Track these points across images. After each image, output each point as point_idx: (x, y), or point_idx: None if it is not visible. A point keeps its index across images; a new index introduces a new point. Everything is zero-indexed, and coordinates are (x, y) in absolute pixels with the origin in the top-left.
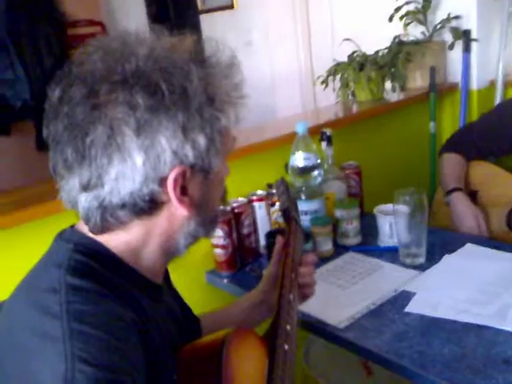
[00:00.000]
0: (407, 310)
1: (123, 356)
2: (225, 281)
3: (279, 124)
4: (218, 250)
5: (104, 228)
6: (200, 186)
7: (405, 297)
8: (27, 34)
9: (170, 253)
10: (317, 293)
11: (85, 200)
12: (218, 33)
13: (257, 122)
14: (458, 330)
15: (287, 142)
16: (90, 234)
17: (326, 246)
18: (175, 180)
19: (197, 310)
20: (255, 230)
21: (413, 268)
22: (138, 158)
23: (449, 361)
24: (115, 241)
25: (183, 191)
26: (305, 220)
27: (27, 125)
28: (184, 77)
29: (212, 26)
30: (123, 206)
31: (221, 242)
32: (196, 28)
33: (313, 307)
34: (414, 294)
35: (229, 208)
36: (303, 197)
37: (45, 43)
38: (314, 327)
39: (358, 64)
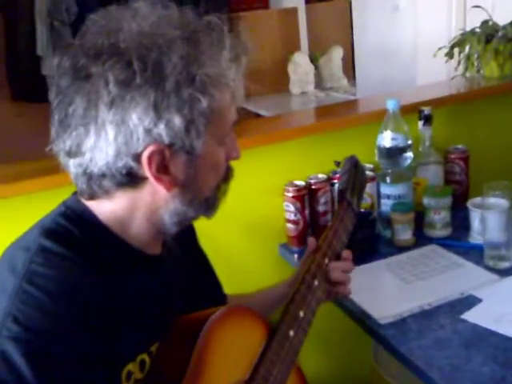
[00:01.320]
0: (464, 316)
1: (61, 323)
2: (295, 256)
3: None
4: (289, 225)
5: (90, 195)
6: (184, 166)
7: (469, 302)
8: None
9: (157, 227)
10: (376, 282)
11: (72, 165)
12: None
13: (395, 91)
14: (509, 350)
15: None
16: (84, 200)
17: (405, 235)
18: (149, 157)
19: (267, 281)
20: (333, 209)
21: (495, 272)
22: (110, 132)
23: (483, 381)
24: (102, 209)
25: (163, 170)
26: (386, 205)
27: None
28: (162, 54)
29: None
30: (103, 175)
31: (291, 217)
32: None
33: (363, 296)
34: (480, 300)
35: (303, 183)
36: (388, 180)
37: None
38: (355, 317)
39: (485, 35)
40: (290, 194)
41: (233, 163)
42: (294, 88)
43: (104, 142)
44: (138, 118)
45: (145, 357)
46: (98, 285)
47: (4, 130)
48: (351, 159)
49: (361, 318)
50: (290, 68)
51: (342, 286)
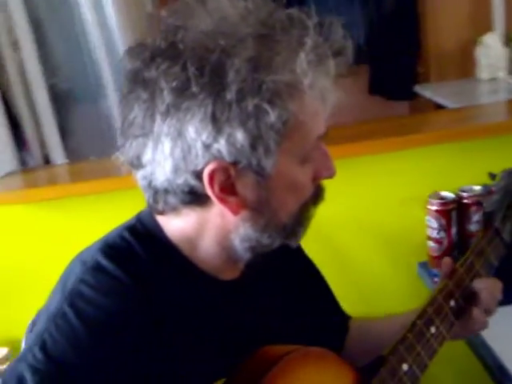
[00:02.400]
0: None
1: (90, 364)
2: (435, 279)
3: None
4: (431, 243)
5: (158, 209)
6: (254, 187)
7: None
8: None
9: (228, 252)
10: None
11: (138, 177)
12: None
13: None
14: None
15: None
16: (155, 214)
17: None
18: (210, 176)
19: (401, 303)
20: None
21: None
22: (167, 145)
23: None
24: (171, 225)
25: (229, 190)
26: None
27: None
28: (224, 56)
29: None
30: (166, 191)
31: (434, 234)
32: None
33: (504, 347)
34: None
35: (452, 196)
36: None
37: None
38: (490, 372)
39: None
40: (434, 208)
41: (369, 165)
42: (483, 73)
43: (161, 155)
44: (194, 131)
45: None
46: (151, 316)
47: None
48: (510, 173)
49: (496, 375)
50: (479, 51)
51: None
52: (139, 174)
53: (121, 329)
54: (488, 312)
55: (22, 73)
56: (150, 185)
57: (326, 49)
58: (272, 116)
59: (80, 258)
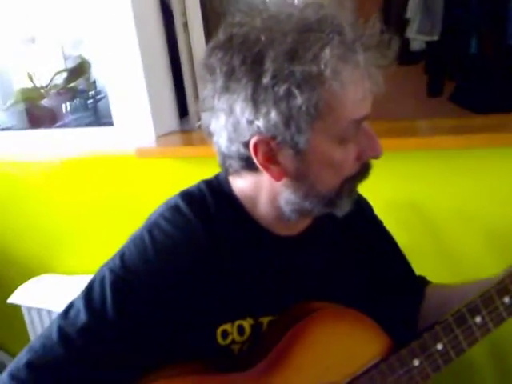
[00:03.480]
0: None
1: (153, 276)
2: None
3: None
4: None
5: (227, 171)
6: (292, 159)
7: None
8: None
9: (278, 212)
10: None
11: (214, 143)
12: None
13: None
14: None
15: None
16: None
17: None
18: (255, 147)
19: None
20: None
21: None
22: (222, 118)
23: None
24: (237, 185)
25: (271, 160)
26: None
27: None
28: (265, 48)
29: None
30: (229, 156)
31: None
32: None
33: None
34: None
35: None
36: None
37: None
38: None
39: None
40: None
41: (488, 158)
42: None
43: (219, 127)
44: (240, 109)
45: (244, 323)
46: (211, 252)
47: None
48: None
49: None
50: None
51: None
52: (213, 141)
53: (182, 255)
54: None
55: (190, 50)
56: (218, 150)
57: (354, 44)
58: (299, 99)
59: (166, 201)
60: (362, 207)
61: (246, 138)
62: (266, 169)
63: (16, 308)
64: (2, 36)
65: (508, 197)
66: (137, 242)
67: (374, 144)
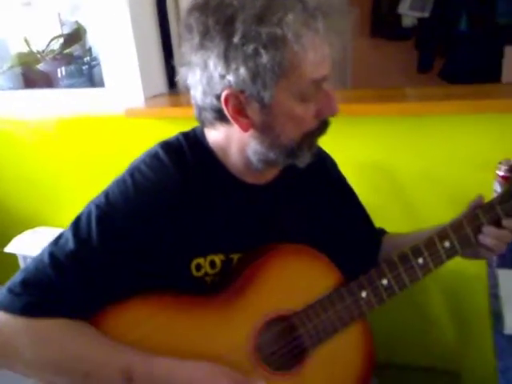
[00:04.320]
0: None
1: (133, 212)
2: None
3: None
4: None
5: (202, 123)
6: (259, 112)
7: None
8: None
9: (247, 161)
10: None
11: (191, 96)
12: None
13: None
14: None
15: None
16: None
17: None
18: (226, 99)
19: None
20: None
21: None
22: (198, 73)
23: None
24: (211, 136)
25: (240, 112)
26: None
27: None
28: (236, 11)
29: None
30: (204, 108)
31: None
32: None
33: None
34: None
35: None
36: None
37: None
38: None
39: None
40: (501, 174)
41: (447, 125)
42: None
43: (194, 81)
44: (213, 65)
45: (215, 258)
46: (185, 193)
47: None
48: None
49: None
50: None
51: (488, 251)
52: (191, 94)
53: (158, 195)
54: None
55: (178, 14)
56: (195, 103)
57: (315, 11)
58: (265, 58)
59: (147, 150)
60: (327, 163)
61: (218, 92)
62: (236, 120)
63: (13, 257)
64: None
65: (469, 161)
66: (120, 183)
67: (332, 103)
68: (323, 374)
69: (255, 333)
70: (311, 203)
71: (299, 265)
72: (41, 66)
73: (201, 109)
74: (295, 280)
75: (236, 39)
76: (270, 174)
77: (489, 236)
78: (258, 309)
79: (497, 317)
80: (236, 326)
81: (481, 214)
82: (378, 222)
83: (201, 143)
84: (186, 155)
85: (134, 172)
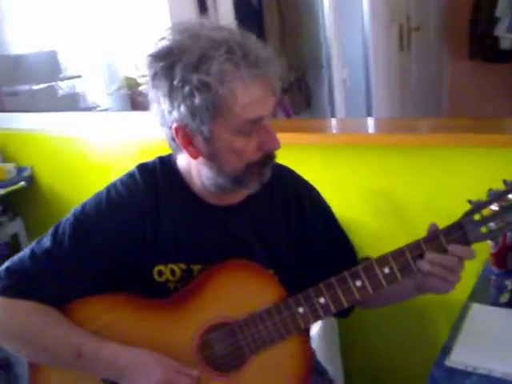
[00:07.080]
0: None
1: (103, 223)
2: (492, 277)
3: None
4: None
5: (171, 149)
6: (203, 143)
7: None
8: None
9: (204, 185)
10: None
11: None
12: None
13: None
14: None
15: None
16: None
17: None
18: (175, 130)
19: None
20: None
21: None
22: (155, 107)
23: None
24: (179, 161)
25: (188, 142)
26: None
27: None
28: (176, 60)
29: None
30: (166, 137)
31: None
32: None
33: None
34: None
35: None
36: None
37: None
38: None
39: None
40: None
41: (443, 162)
42: None
43: (154, 114)
44: (163, 101)
45: (174, 267)
46: (151, 209)
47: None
48: None
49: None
50: None
51: (438, 280)
52: None
53: (127, 209)
54: (441, 278)
55: None
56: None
57: (240, 62)
58: (198, 99)
59: (128, 170)
60: (303, 193)
61: (170, 124)
62: (186, 149)
63: None
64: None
65: (471, 193)
66: (97, 196)
67: (272, 139)
68: (259, 379)
69: (199, 334)
70: (274, 226)
71: (245, 278)
72: (145, 89)
73: (165, 137)
74: (240, 291)
75: (175, 82)
76: (234, 197)
77: (427, 262)
78: (203, 313)
79: (446, 348)
80: (182, 326)
81: (422, 242)
82: None
83: (172, 167)
84: (157, 176)
85: (110, 188)
